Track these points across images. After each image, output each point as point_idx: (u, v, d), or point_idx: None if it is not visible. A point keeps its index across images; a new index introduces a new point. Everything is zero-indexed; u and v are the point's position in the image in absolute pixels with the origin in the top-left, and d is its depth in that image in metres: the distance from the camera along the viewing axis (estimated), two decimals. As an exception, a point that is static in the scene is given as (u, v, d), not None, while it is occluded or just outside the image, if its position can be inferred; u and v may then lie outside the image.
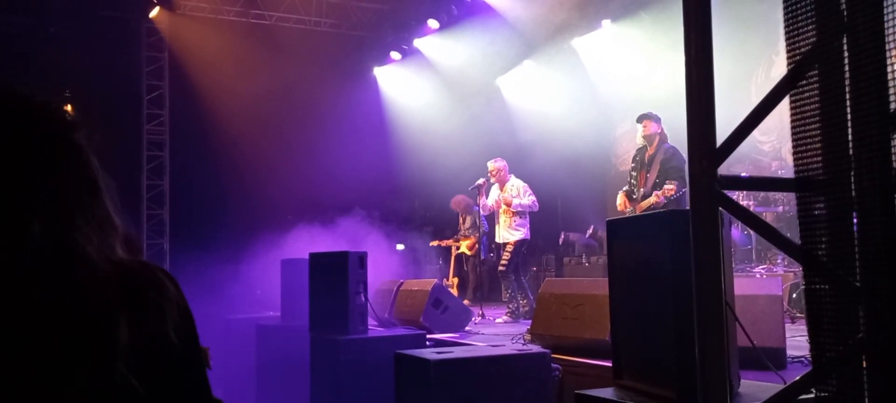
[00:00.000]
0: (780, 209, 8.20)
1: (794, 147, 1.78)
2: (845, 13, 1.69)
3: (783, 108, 1.95)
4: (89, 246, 1.07)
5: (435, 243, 11.83)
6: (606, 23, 11.14)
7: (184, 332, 1.16)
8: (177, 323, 1.14)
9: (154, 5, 12.45)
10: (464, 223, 11.03)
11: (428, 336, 6.66)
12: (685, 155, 1.94)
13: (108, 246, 1.11)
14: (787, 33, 1.80)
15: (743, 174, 8.03)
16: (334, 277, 6.17)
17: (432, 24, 12.59)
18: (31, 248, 1.01)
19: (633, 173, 7.13)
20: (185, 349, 1.16)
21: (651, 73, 10.10)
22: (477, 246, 10.68)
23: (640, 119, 7.10)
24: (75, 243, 1.06)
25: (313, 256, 6.71)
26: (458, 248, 11.00)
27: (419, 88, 14.07)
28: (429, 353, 4.74)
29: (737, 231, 8.13)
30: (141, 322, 1.08)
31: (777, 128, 8.73)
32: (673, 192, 6.53)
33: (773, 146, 9.14)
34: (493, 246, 9.71)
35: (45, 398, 0.97)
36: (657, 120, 7.05)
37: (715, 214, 1.87)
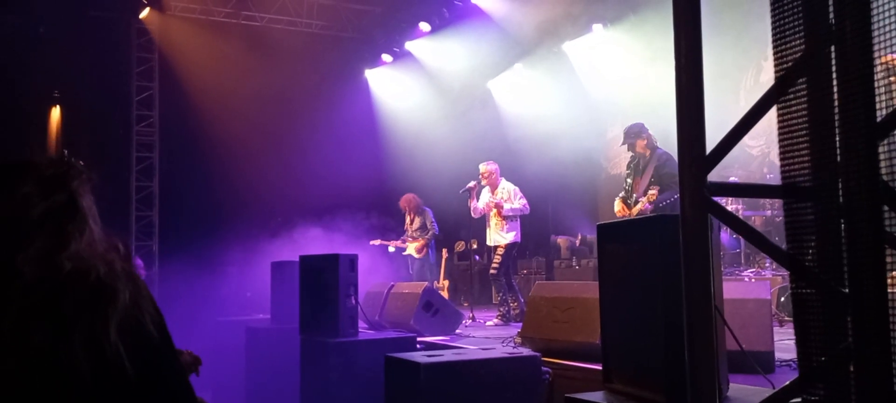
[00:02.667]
0: (768, 213, 8.25)
1: (781, 154, 1.80)
2: (833, 23, 1.71)
3: (772, 113, 1.97)
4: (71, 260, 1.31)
5: (376, 242, 10.66)
6: (597, 27, 11.18)
7: (159, 325, 1.36)
8: (152, 316, 1.34)
9: (144, 6, 12.41)
10: (411, 224, 10.41)
11: (418, 338, 6.65)
12: (677, 156, 1.97)
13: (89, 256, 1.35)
14: (774, 42, 1.81)
15: (732, 178, 8.08)
16: (324, 280, 6.16)
17: (424, 26, 12.60)
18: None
19: (628, 179, 7.15)
20: (161, 339, 1.36)
21: (642, 77, 10.14)
22: (426, 249, 10.24)
23: (629, 146, 7.06)
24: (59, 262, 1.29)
25: (303, 259, 6.70)
26: (404, 250, 10.42)
27: (410, 91, 14.07)
28: (419, 356, 4.74)
29: (726, 234, 8.18)
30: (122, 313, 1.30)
31: (766, 132, 8.79)
32: (655, 197, 6.54)
33: (761, 150, 9.20)
34: (484, 247, 9.70)
35: (45, 358, 1.19)
36: (639, 133, 6.99)
37: (705, 221, 1.89)
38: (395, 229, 11.18)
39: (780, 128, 1.79)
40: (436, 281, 10.93)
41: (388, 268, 10.49)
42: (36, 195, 1.33)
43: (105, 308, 1.25)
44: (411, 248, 10.32)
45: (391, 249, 10.52)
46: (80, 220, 1.35)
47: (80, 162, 1.46)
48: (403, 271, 10.43)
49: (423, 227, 10.26)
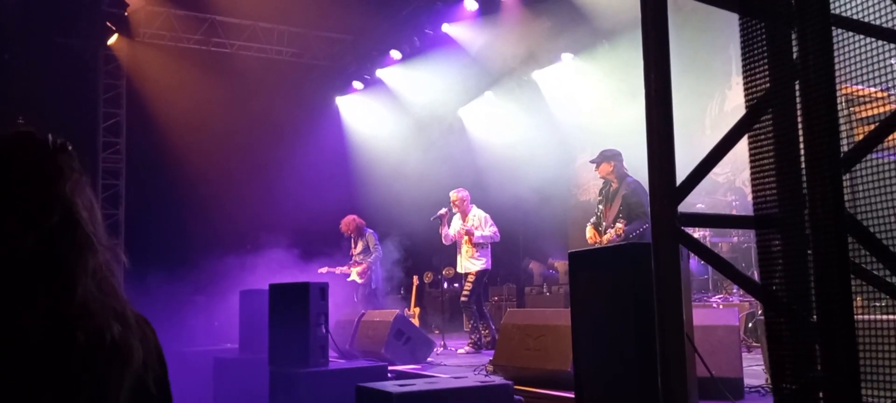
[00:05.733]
0: (734, 239, 8.37)
1: (752, 187, 1.84)
2: (797, 61, 1.77)
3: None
4: (93, 301, 1.12)
5: (324, 270, 10.07)
6: (566, 56, 11.34)
7: (160, 382, 1.23)
8: (155, 372, 1.21)
9: (112, 33, 12.28)
10: (355, 247, 9.96)
11: (390, 367, 6.61)
12: (648, 188, 2.00)
13: (105, 294, 1.16)
14: (744, 76, 1.86)
15: (699, 205, 8.20)
16: (295, 308, 6.10)
17: (394, 54, 12.66)
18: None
19: (600, 206, 7.17)
20: (160, 398, 1.23)
21: (610, 105, 10.30)
22: (369, 273, 9.79)
23: (596, 166, 7.11)
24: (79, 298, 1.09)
25: (273, 287, 6.63)
26: (348, 275, 9.91)
27: (381, 118, 14.10)
28: (391, 386, 4.70)
29: (694, 261, 8.28)
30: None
31: (731, 159, 8.92)
32: (622, 231, 6.56)
33: (727, 178, 9.35)
34: (456, 274, 9.65)
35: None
36: (610, 158, 6.99)
37: (676, 251, 1.92)
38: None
39: (751, 159, 1.83)
40: (406, 309, 10.88)
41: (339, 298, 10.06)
42: (18, 225, 1.05)
43: (119, 375, 1.09)
44: (354, 274, 9.89)
45: (337, 272, 10.07)
46: (82, 243, 1.11)
47: (65, 142, 1.18)
48: (350, 300, 10.01)
49: (365, 250, 9.85)
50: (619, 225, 6.58)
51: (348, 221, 10.04)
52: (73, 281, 1.07)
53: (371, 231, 10.01)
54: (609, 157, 6.99)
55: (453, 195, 8.77)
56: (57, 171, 1.14)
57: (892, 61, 1.80)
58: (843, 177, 1.65)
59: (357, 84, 14.00)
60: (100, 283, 1.13)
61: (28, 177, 1.11)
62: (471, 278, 8.54)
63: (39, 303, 1.04)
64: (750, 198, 1.89)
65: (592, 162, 7.17)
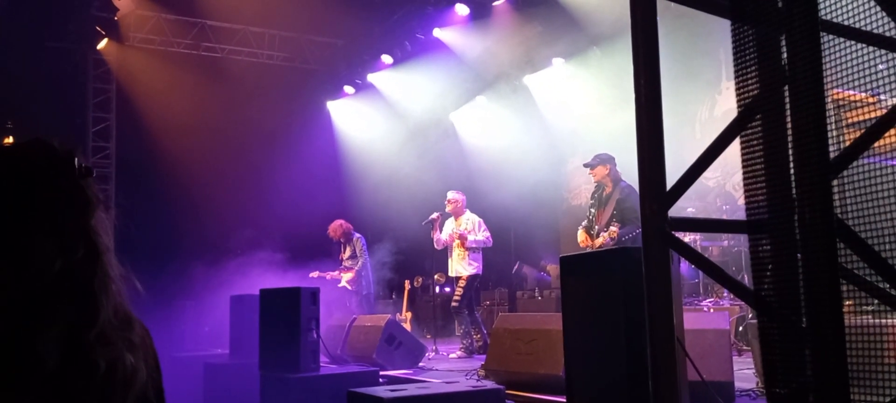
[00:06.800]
0: (724, 243, 8.39)
1: (745, 191, 1.85)
2: (786, 63, 1.77)
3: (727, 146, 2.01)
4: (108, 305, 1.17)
5: (315, 274, 10.00)
6: (558, 61, 11.37)
7: (158, 388, 1.27)
8: (155, 380, 1.25)
9: (102, 37, 12.23)
10: (344, 252, 9.95)
11: (381, 372, 6.60)
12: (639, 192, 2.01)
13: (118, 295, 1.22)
14: (736, 80, 1.87)
15: (689, 209, 8.22)
16: (286, 313, 6.08)
17: (386, 59, 12.65)
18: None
19: (592, 209, 7.15)
20: (158, 402, 1.27)
21: (601, 110, 10.31)
22: (359, 279, 9.74)
23: (592, 169, 7.09)
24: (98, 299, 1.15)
25: (264, 292, 6.61)
26: (339, 281, 9.86)
27: (373, 122, 14.09)
28: (382, 391, 4.69)
29: (685, 265, 8.29)
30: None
31: (721, 164, 8.97)
32: (617, 234, 6.56)
33: (717, 182, 9.38)
34: (449, 279, 9.64)
35: None
36: (606, 161, 7.00)
37: (666, 255, 1.92)
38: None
39: (743, 164, 1.84)
40: (398, 314, 10.85)
41: (330, 302, 10.00)
42: (47, 253, 1.09)
43: (123, 397, 1.13)
44: (344, 280, 9.84)
45: (328, 277, 10.00)
46: (103, 272, 1.16)
47: (90, 167, 1.21)
48: (342, 304, 9.96)
49: (353, 256, 9.81)
50: (613, 228, 6.58)
51: (335, 226, 10.01)
52: (97, 310, 1.12)
53: (358, 235, 9.98)
54: (605, 160, 7.01)
55: (451, 194, 8.76)
56: (86, 202, 1.17)
57: (881, 66, 1.81)
58: (833, 182, 1.65)
59: (348, 88, 13.99)
60: (115, 311, 1.17)
61: (59, 208, 1.14)
62: (462, 282, 8.53)
63: (58, 328, 1.07)
64: (740, 202, 1.90)
65: (587, 165, 7.17)
